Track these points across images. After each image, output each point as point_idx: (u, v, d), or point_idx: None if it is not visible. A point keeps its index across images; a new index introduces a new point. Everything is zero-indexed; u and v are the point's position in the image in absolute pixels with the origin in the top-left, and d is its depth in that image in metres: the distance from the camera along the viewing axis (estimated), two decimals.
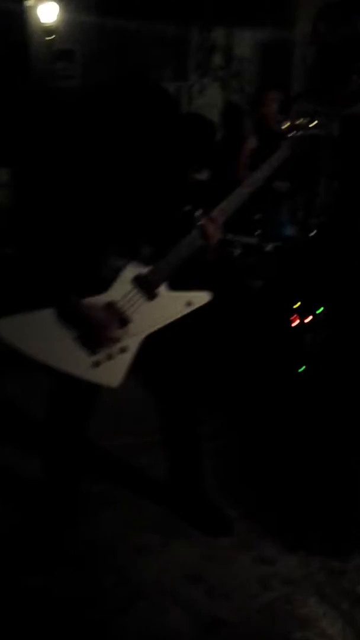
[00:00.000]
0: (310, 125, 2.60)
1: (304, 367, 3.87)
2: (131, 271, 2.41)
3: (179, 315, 2.48)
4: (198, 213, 2.55)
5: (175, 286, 2.49)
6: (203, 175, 4.77)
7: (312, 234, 4.36)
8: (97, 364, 2.42)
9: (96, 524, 2.77)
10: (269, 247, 4.31)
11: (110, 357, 2.43)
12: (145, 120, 2.32)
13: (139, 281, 2.41)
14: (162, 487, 2.92)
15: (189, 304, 2.48)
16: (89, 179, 2.30)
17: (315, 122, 2.60)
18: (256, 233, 4.37)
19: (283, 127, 2.57)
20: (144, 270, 2.41)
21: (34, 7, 6.51)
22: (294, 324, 3.93)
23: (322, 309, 3.90)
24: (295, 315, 3.91)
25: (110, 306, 2.37)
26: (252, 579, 2.49)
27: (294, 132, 2.58)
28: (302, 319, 3.90)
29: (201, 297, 2.51)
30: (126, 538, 2.69)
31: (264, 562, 2.57)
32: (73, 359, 2.38)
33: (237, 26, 6.48)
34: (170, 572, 2.53)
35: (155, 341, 2.45)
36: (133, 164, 2.34)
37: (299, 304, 3.91)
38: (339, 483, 2.99)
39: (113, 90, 2.33)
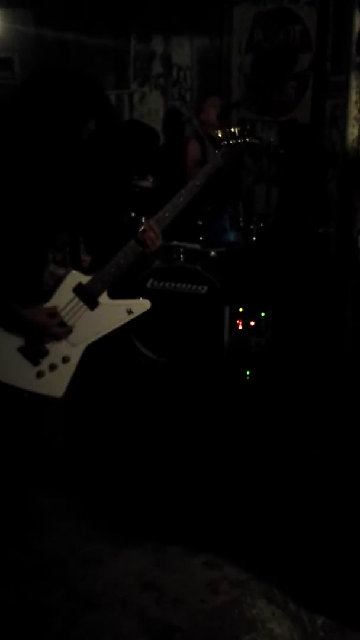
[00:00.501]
0: (244, 134, 2.65)
1: (248, 372, 3.93)
2: (72, 280, 2.41)
3: (120, 324, 2.51)
4: (132, 217, 2.58)
5: (116, 294, 2.51)
6: (147, 183, 4.79)
7: (253, 239, 4.43)
8: (40, 375, 2.42)
9: (46, 535, 2.75)
10: (213, 252, 4.37)
11: (53, 367, 2.43)
12: (75, 123, 2.31)
13: (80, 290, 2.42)
14: (113, 495, 2.92)
15: (130, 311, 2.51)
16: (25, 188, 2.30)
17: (247, 130, 2.65)
18: (200, 239, 4.43)
19: (217, 136, 2.62)
20: (84, 279, 2.42)
21: None
22: (239, 328, 3.99)
23: (264, 313, 3.96)
24: (239, 320, 3.97)
25: (53, 315, 2.38)
26: (201, 583, 2.51)
27: (227, 141, 2.63)
28: (246, 323, 3.96)
29: (142, 305, 2.53)
30: (76, 549, 2.68)
31: (212, 566, 2.59)
32: (16, 371, 2.38)
33: (175, 35, 6.52)
34: (121, 581, 2.53)
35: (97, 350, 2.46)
36: (69, 172, 2.34)
37: (242, 308, 3.97)
38: (284, 485, 3.03)
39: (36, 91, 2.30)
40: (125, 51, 6.45)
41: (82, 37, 6.08)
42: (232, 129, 2.64)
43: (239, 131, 2.65)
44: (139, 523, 2.79)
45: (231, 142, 2.63)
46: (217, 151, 2.65)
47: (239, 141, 2.64)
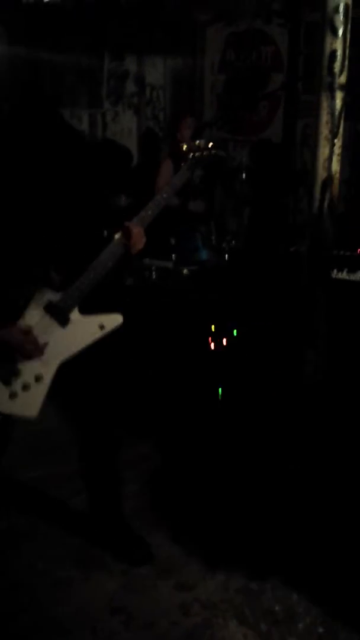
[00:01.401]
0: (209, 147, 2.67)
1: (220, 389, 3.91)
2: (42, 298, 2.38)
3: (93, 339, 2.47)
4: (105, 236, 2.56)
5: (88, 310, 2.48)
6: (121, 201, 4.79)
7: (225, 257, 4.44)
8: (13, 396, 2.37)
9: (14, 558, 2.70)
10: (185, 271, 4.37)
11: (26, 387, 2.39)
12: (47, 147, 2.31)
13: (50, 308, 2.39)
14: (82, 518, 2.87)
15: (102, 327, 2.47)
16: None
17: (211, 143, 2.68)
18: (172, 257, 4.42)
19: (182, 150, 2.63)
20: (55, 296, 2.40)
21: None
22: (210, 347, 3.97)
23: (236, 331, 3.96)
24: (211, 338, 3.95)
25: (26, 333, 2.34)
26: (172, 605, 2.48)
27: (193, 153, 2.64)
28: (217, 341, 3.94)
29: (114, 320, 2.50)
30: (46, 572, 2.64)
31: (183, 588, 2.56)
32: None
33: (149, 54, 6.56)
34: (91, 604, 2.49)
35: (72, 367, 2.42)
36: (40, 191, 2.32)
37: (214, 327, 3.96)
38: (255, 506, 3.02)
39: (11, 119, 2.31)
40: (99, 70, 6.47)
41: (55, 55, 6.09)
42: (197, 142, 2.67)
43: (204, 144, 2.68)
44: (107, 545, 2.75)
45: (197, 154, 2.65)
46: (183, 164, 2.66)
47: (204, 153, 2.67)
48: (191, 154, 2.64)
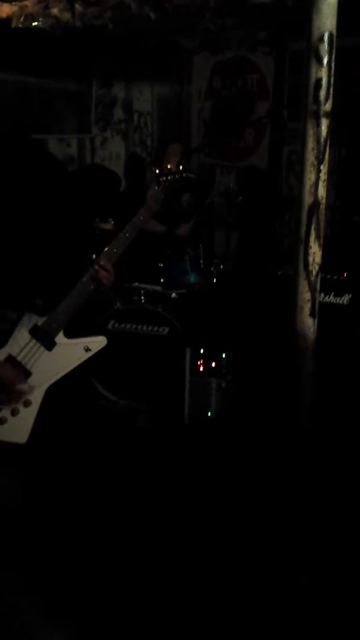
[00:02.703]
0: (180, 170, 2.76)
1: (210, 412, 3.92)
2: (27, 323, 2.40)
3: (79, 362, 2.49)
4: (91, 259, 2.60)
5: (73, 333, 2.50)
6: (109, 225, 4.82)
7: (214, 281, 4.47)
8: (2, 422, 2.37)
9: (4, 583, 2.65)
10: (174, 294, 4.39)
11: (15, 412, 2.39)
12: (27, 175, 2.35)
13: (36, 332, 2.40)
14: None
15: (87, 349, 2.50)
16: None
17: (183, 166, 2.78)
18: (161, 281, 4.45)
19: (155, 173, 2.73)
20: (39, 320, 2.41)
21: None
22: (200, 369, 3.99)
23: (225, 354, 3.97)
24: (200, 361, 3.97)
25: (10, 360, 2.34)
26: None
27: (165, 177, 2.73)
28: (207, 364, 3.96)
29: (99, 342, 2.52)
30: (36, 596, 2.58)
31: None
32: None
33: (136, 81, 6.65)
34: None
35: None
36: (24, 218, 2.35)
37: (203, 350, 3.97)
38: (245, 532, 3.01)
39: None
40: (87, 96, 6.54)
41: (44, 81, 6.15)
42: (169, 166, 2.79)
43: (175, 167, 2.78)
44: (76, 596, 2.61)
45: (169, 177, 2.75)
46: (157, 187, 2.77)
47: (176, 177, 2.77)
48: (163, 178, 2.74)
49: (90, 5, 4.79)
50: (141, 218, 2.67)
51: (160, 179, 2.77)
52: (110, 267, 2.51)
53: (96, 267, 2.48)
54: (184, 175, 2.82)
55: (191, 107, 6.44)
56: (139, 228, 2.66)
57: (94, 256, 2.58)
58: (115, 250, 2.58)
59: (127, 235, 2.62)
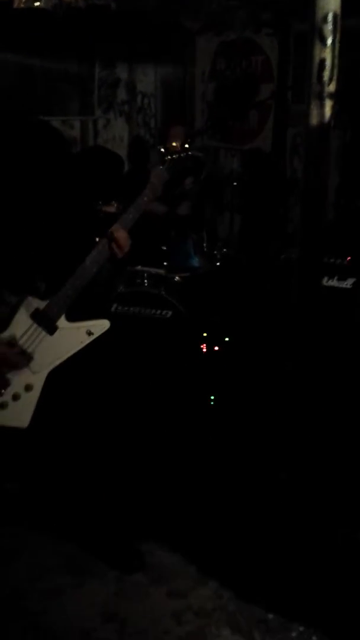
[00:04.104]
0: (185, 148, 2.71)
1: (212, 396, 3.92)
2: (28, 306, 2.38)
3: (81, 346, 2.47)
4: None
5: (75, 317, 2.48)
6: (112, 208, 4.79)
7: (217, 265, 4.45)
8: (3, 406, 2.37)
9: (4, 567, 2.68)
10: (177, 277, 4.37)
11: (16, 397, 2.39)
12: (31, 155, 2.32)
13: (37, 316, 2.38)
14: (72, 526, 2.86)
15: (89, 333, 2.47)
16: None
17: (188, 144, 2.72)
18: (164, 264, 4.43)
19: (160, 152, 2.68)
20: (41, 304, 2.39)
21: None
22: (203, 353, 3.98)
23: (228, 338, 3.97)
24: (203, 345, 3.96)
25: (12, 344, 2.34)
26: (165, 613, 2.47)
27: (170, 155, 2.68)
28: (210, 348, 3.95)
29: (101, 325, 2.50)
30: (37, 580, 2.62)
31: (176, 595, 2.55)
32: None
33: (139, 62, 6.59)
34: (83, 612, 2.48)
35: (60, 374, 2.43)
36: (25, 199, 2.33)
37: (206, 333, 3.97)
38: (249, 509, 3.02)
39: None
40: (90, 77, 6.49)
41: (47, 62, 6.10)
42: (174, 144, 2.73)
43: (180, 145, 2.73)
44: (100, 553, 2.74)
45: (174, 156, 2.70)
46: (161, 166, 2.71)
47: (182, 155, 2.71)
48: (167, 157, 2.69)
49: None
50: (145, 199, 2.62)
51: (166, 158, 2.72)
52: (125, 233, 2.48)
53: (111, 231, 2.44)
54: (189, 153, 2.76)
55: (195, 88, 6.39)
56: (143, 208, 2.62)
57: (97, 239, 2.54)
58: (131, 215, 2.55)
59: (130, 216, 2.58)
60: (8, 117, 2.34)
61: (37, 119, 2.40)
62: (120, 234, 2.45)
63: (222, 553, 2.77)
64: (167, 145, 2.73)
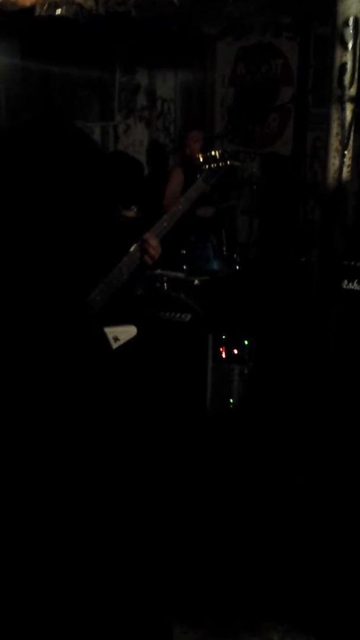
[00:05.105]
0: (224, 157, 2.67)
1: (232, 399, 3.93)
2: None
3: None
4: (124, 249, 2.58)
5: (103, 322, 2.50)
6: (132, 212, 4.82)
7: (236, 268, 4.47)
8: None
9: None
10: (196, 281, 4.39)
11: None
12: (63, 160, 2.35)
13: None
14: None
15: (116, 339, 2.49)
16: (19, 225, 2.31)
17: (227, 153, 2.68)
18: (183, 268, 4.46)
19: (198, 161, 2.65)
20: None
21: None
22: (222, 356, 3.99)
23: (248, 341, 3.97)
24: (223, 347, 3.97)
25: None
26: None
27: (208, 165, 2.65)
28: (229, 351, 3.96)
29: (129, 332, 2.52)
30: None
31: None
32: None
33: (159, 68, 6.63)
34: None
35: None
36: (56, 206, 2.36)
37: (225, 336, 3.98)
38: (270, 524, 3.00)
39: (29, 132, 2.35)
40: (110, 84, 6.54)
41: (68, 69, 6.15)
42: (213, 153, 2.66)
43: (219, 154, 2.66)
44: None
45: (212, 165, 2.64)
46: (199, 175, 2.67)
47: (220, 164, 2.65)
48: (206, 166, 2.64)
49: None
50: (180, 207, 2.60)
51: (204, 167, 2.65)
52: (158, 242, 2.48)
53: (144, 239, 2.45)
54: (228, 163, 2.69)
55: (214, 93, 6.41)
56: (178, 218, 2.60)
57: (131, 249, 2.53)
58: (159, 231, 2.55)
59: (164, 224, 2.57)
60: (39, 120, 2.37)
61: (75, 126, 2.42)
62: (152, 242, 2.45)
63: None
64: (206, 155, 2.67)
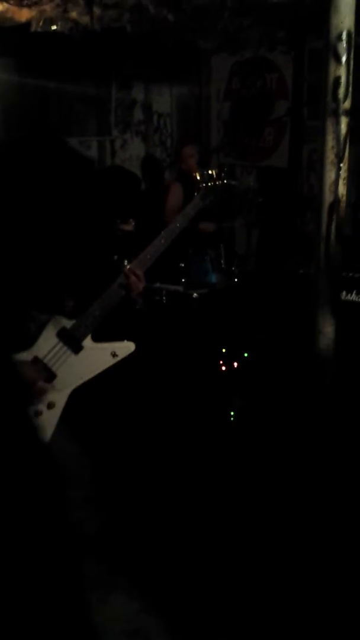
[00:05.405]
0: (221, 176, 2.70)
1: (232, 413, 3.92)
2: (55, 325, 2.41)
3: (105, 367, 2.50)
4: (114, 260, 2.60)
5: (100, 337, 2.50)
6: (130, 226, 4.85)
7: (234, 281, 4.48)
8: None
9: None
10: (195, 294, 4.40)
11: (38, 413, 2.42)
12: (57, 175, 2.36)
13: (63, 335, 2.41)
14: (96, 542, 2.88)
15: (114, 354, 2.50)
16: (10, 237, 2.32)
17: (224, 172, 2.71)
18: (182, 281, 4.47)
19: (196, 179, 2.67)
20: (68, 323, 2.43)
21: None
22: (222, 370, 4.00)
23: (247, 354, 3.98)
24: (222, 361, 3.98)
25: (36, 362, 2.37)
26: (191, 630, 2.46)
27: (205, 183, 2.67)
28: (229, 364, 3.97)
29: (126, 348, 2.53)
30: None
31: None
32: None
33: (155, 83, 6.68)
34: (108, 629, 2.48)
35: (83, 394, 2.45)
36: (52, 219, 2.37)
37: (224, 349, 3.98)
38: (271, 528, 3.02)
39: (21, 149, 2.37)
40: (107, 99, 6.58)
41: (64, 84, 6.20)
42: (210, 172, 2.70)
43: (216, 173, 2.70)
44: (124, 568, 2.74)
45: (209, 184, 2.68)
46: (196, 194, 2.69)
47: (217, 183, 2.69)
48: (203, 184, 2.67)
49: (109, 8, 4.83)
50: (177, 225, 2.62)
51: (201, 185, 2.69)
52: (141, 274, 2.50)
53: (127, 273, 2.47)
54: (225, 182, 2.73)
55: (210, 107, 6.45)
56: (175, 235, 2.62)
57: (125, 262, 2.56)
58: (149, 256, 2.56)
59: (162, 241, 2.58)
60: (32, 137, 2.39)
61: (59, 140, 2.45)
62: (132, 280, 2.46)
63: (249, 569, 2.77)
64: (203, 173, 2.70)
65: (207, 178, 2.68)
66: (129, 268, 2.48)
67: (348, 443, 3.23)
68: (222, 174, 2.70)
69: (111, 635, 2.44)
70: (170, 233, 2.58)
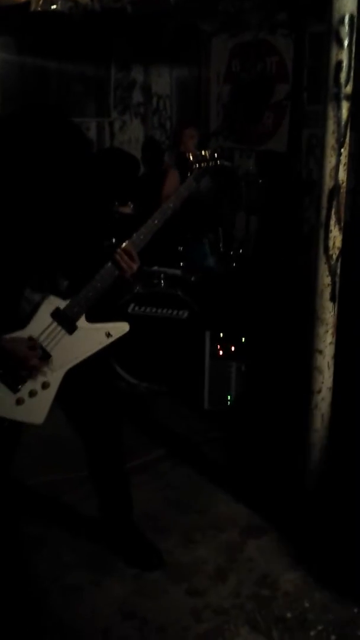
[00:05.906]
0: (215, 157, 2.69)
1: (229, 396, 3.94)
2: (49, 305, 2.40)
3: (99, 347, 2.49)
4: (112, 243, 2.57)
5: (94, 317, 2.50)
6: (128, 209, 4.83)
7: (233, 265, 4.47)
8: (20, 402, 2.39)
9: (25, 564, 2.71)
10: (193, 278, 4.40)
11: (32, 393, 2.41)
12: (55, 151, 2.32)
13: (57, 315, 2.40)
14: (92, 523, 2.90)
15: (108, 335, 2.49)
16: (5, 214, 2.29)
17: (217, 154, 2.69)
18: (180, 265, 4.47)
19: (188, 160, 2.65)
20: (62, 303, 2.41)
21: None
22: (219, 353, 4.00)
23: (245, 338, 3.98)
24: (220, 345, 3.98)
25: (30, 341, 2.36)
26: (184, 611, 2.49)
27: (199, 164, 2.66)
28: (226, 348, 3.97)
29: (120, 328, 2.52)
30: (56, 578, 2.65)
31: (195, 593, 2.58)
32: None
33: (155, 64, 6.62)
34: (103, 609, 2.50)
35: (77, 374, 2.45)
36: (46, 197, 2.33)
37: (222, 333, 3.98)
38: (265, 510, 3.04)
39: (16, 122, 2.32)
40: (106, 80, 6.53)
41: (63, 65, 6.15)
42: (203, 152, 2.68)
43: (209, 154, 2.68)
44: (119, 550, 2.77)
45: (202, 164, 2.66)
46: (189, 174, 2.68)
47: (210, 164, 2.67)
48: (196, 165, 2.66)
49: None
50: (171, 205, 2.61)
51: (194, 166, 2.68)
52: (135, 255, 2.49)
53: (120, 252, 2.46)
54: (218, 163, 2.71)
55: (210, 90, 6.40)
56: (168, 216, 2.61)
57: (117, 242, 2.55)
58: (142, 237, 2.54)
59: (155, 222, 2.57)
60: (35, 111, 2.34)
61: (64, 117, 2.40)
62: (125, 259, 2.44)
63: (240, 553, 2.79)
64: (196, 154, 2.68)
65: (200, 158, 2.66)
66: (123, 247, 2.47)
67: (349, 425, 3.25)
68: (215, 155, 2.68)
69: (106, 615, 2.46)
70: (163, 214, 2.57)
